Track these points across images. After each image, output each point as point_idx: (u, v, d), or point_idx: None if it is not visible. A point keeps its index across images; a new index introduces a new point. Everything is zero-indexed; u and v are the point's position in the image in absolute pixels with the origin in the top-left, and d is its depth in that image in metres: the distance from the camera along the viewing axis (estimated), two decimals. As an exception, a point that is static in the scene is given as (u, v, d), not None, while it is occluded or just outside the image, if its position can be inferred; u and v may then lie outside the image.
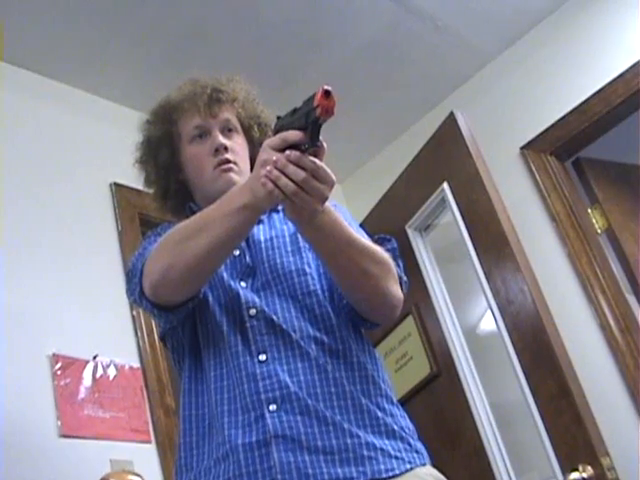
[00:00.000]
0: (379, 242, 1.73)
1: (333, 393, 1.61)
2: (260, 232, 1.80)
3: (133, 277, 1.72)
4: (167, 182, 1.94)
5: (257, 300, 1.70)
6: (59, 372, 2.62)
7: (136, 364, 2.86)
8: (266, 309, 1.68)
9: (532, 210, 3.56)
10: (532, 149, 3.66)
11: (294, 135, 1.45)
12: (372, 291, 1.65)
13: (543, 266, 3.29)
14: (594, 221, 3.61)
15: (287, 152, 1.44)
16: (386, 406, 1.66)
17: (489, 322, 3.23)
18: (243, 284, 1.73)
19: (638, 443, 2.98)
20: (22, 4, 2.97)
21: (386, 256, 1.67)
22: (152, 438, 2.75)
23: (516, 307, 2.99)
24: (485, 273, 3.10)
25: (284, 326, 1.66)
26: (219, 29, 3.33)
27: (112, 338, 2.85)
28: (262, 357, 1.63)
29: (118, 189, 3.19)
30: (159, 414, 2.81)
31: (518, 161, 3.67)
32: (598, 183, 3.73)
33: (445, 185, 3.31)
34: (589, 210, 3.64)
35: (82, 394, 2.64)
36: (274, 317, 1.67)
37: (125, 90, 3.43)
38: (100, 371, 2.73)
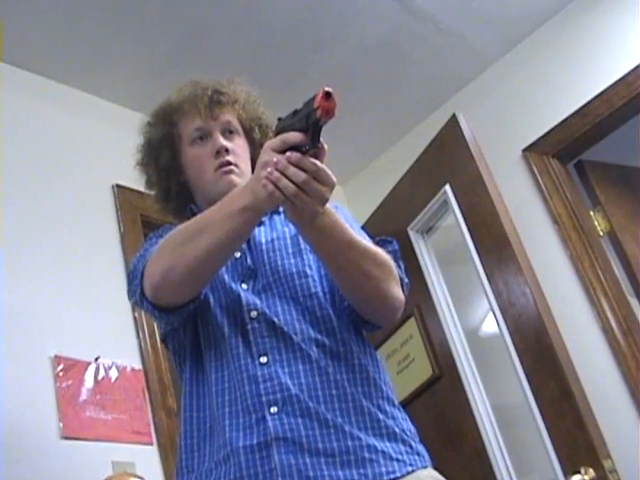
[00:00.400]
0: (380, 244, 1.73)
1: (334, 395, 1.61)
2: (261, 234, 1.80)
3: (134, 279, 1.72)
4: (168, 184, 1.94)
5: (258, 302, 1.69)
6: (61, 374, 2.62)
7: (138, 366, 2.86)
8: (267, 311, 1.68)
9: (534, 212, 3.56)
10: (534, 151, 3.66)
11: (295, 137, 1.44)
12: (373, 293, 1.65)
13: (545, 268, 3.29)
14: (596, 223, 3.61)
15: (288, 154, 1.44)
16: (387, 408, 1.65)
17: (491, 324, 3.23)
18: (244, 286, 1.73)
19: (640, 445, 2.98)
20: (23, 4, 2.97)
21: (387, 258, 1.67)
22: (154, 440, 2.75)
23: (518, 309, 2.99)
24: (487, 275, 3.10)
25: (285, 328, 1.66)
26: (221, 30, 3.33)
27: (114, 340, 2.85)
28: (263, 359, 1.63)
29: (120, 191, 3.20)
30: (161, 416, 2.81)
31: (520, 163, 3.67)
32: (600, 185, 3.73)
33: (447, 187, 3.31)
34: (591, 212, 3.64)
35: (84, 396, 2.64)
36: (275, 319, 1.67)
37: (127, 92, 3.43)
38: (102, 373, 2.73)
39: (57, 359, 2.64)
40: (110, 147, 3.25)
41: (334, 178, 1.47)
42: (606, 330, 3.27)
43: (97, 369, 2.73)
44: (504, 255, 3.05)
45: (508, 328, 3.01)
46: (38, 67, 3.22)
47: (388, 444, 1.59)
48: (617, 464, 2.69)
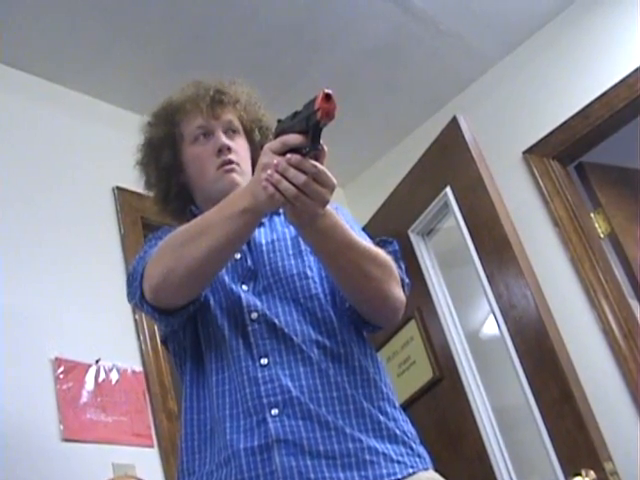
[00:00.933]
0: (381, 244, 1.73)
1: (335, 398, 1.60)
2: (261, 235, 1.80)
3: (134, 281, 1.72)
4: (168, 184, 1.93)
5: (258, 304, 1.69)
6: (61, 376, 2.62)
7: (138, 368, 2.86)
8: (267, 313, 1.68)
9: (535, 214, 3.56)
10: (535, 153, 3.66)
11: (295, 139, 1.44)
12: (373, 293, 1.65)
13: (546, 270, 3.29)
14: (597, 225, 3.61)
15: (288, 155, 1.43)
16: (388, 410, 1.65)
17: (492, 326, 3.23)
18: (245, 287, 1.73)
19: (641, 448, 2.98)
20: (22, 5, 2.97)
21: (388, 258, 1.67)
22: (154, 442, 2.74)
23: (519, 311, 2.99)
24: (488, 277, 3.10)
25: (286, 330, 1.66)
26: (221, 32, 3.33)
27: (114, 342, 2.85)
28: (264, 361, 1.63)
29: (121, 193, 3.20)
30: (161, 418, 2.81)
31: (521, 165, 3.67)
32: (601, 187, 3.73)
33: (448, 189, 3.31)
34: (592, 214, 3.64)
35: (84, 398, 2.64)
36: (275, 321, 1.66)
37: (128, 94, 3.43)
38: (102, 375, 2.73)
39: (57, 361, 2.64)
40: (110, 149, 3.25)
41: (334, 180, 1.47)
42: (607, 332, 3.28)
43: (98, 371, 2.73)
44: (505, 257, 3.04)
45: (509, 330, 3.01)
46: (38, 69, 3.22)
47: (389, 446, 1.59)
48: (618, 466, 2.69)
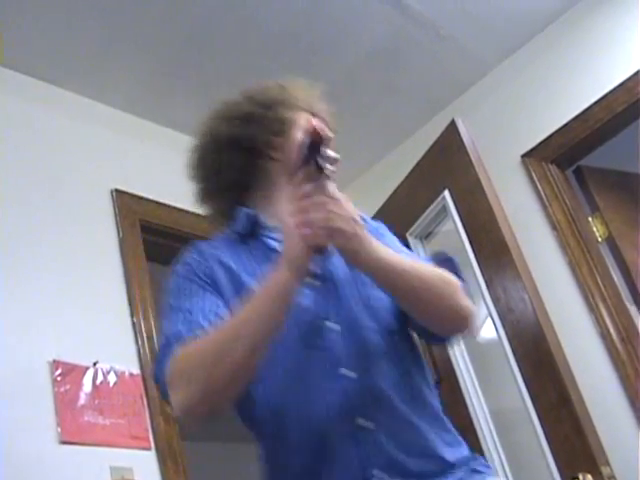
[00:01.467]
0: (439, 264, 1.70)
1: (423, 446, 1.58)
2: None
3: (161, 386, 1.56)
4: (259, 158, 1.77)
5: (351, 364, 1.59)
6: (59, 378, 2.62)
7: (136, 371, 2.85)
8: (367, 381, 1.58)
9: (533, 218, 3.56)
10: (533, 157, 3.66)
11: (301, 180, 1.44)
12: (447, 310, 1.63)
13: (543, 274, 3.29)
14: (595, 229, 3.61)
15: (297, 194, 1.43)
16: (451, 439, 1.64)
17: (489, 330, 3.23)
18: (332, 326, 1.62)
19: (638, 452, 2.97)
20: (22, 8, 2.97)
21: (447, 273, 1.65)
22: (152, 445, 2.74)
23: (516, 315, 2.99)
24: (486, 281, 3.10)
25: (386, 393, 1.59)
26: (220, 36, 3.33)
27: (112, 344, 2.85)
28: (362, 422, 1.55)
29: (119, 195, 3.19)
30: (159, 421, 2.80)
31: (519, 169, 3.68)
32: (599, 191, 3.73)
33: (446, 193, 3.31)
34: (590, 218, 3.64)
35: (82, 400, 2.64)
36: (376, 387, 1.59)
37: (126, 96, 3.43)
38: (100, 377, 2.73)
39: (55, 363, 2.64)
40: (109, 151, 3.24)
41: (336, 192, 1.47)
42: (604, 336, 3.27)
43: (95, 374, 2.73)
44: (503, 261, 3.05)
45: (507, 334, 3.01)
46: (37, 71, 3.22)
47: (470, 465, 1.62)
48: (615, 470, 2.69)
